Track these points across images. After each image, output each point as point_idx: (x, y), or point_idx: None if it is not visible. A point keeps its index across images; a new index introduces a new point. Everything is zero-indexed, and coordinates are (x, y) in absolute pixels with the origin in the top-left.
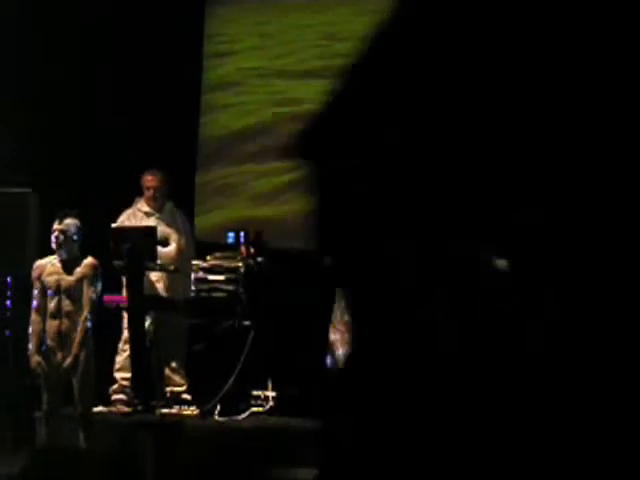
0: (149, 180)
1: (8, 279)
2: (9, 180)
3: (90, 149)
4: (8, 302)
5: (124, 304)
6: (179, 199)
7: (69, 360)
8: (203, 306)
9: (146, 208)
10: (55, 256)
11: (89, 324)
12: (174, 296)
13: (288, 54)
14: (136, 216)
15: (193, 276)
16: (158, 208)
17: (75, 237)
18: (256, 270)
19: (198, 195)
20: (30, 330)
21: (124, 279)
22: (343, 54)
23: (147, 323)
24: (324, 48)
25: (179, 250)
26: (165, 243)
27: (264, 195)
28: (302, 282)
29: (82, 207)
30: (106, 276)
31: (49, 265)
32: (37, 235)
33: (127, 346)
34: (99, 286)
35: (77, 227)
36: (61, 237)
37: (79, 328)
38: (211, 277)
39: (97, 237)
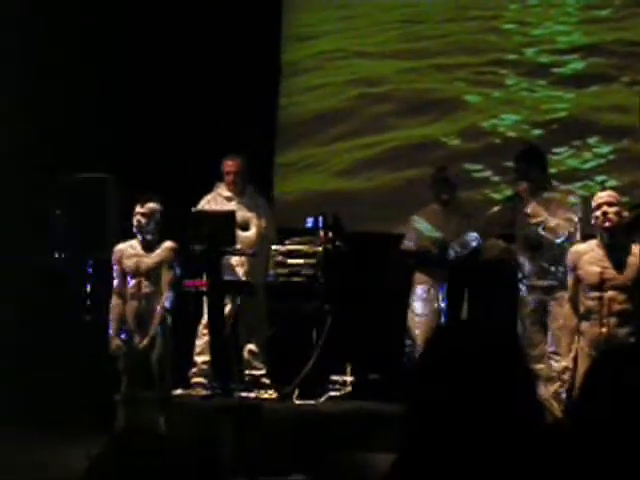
0: (229, 165)
1: (89, 264)
2: (89, 165)
3: (170, 133)
4: (88, 286)
5: (204, 288)
6: (259, 183)
7: (145, 341)
8: (282, 290)
9: (227, 193)
10: (135, 240)
11: (167, 305)
12: (254, 280)
13: (369, 35)
14: (217, 201)
15: (272, 260)
16: (239, 193)
17: (156, 221)
18: (335, 254)
19: (278, 178)
20: (110, 314)
21: (204, 264)
22: (424, 36)
23: (227, 308)
24: (406, 29)
25: (259, 234)
26: (245, 227)
27: (345, 172)
28: (381, 265)
29: (162, 192)
30: (185, 261)
31: (129, 248)
32: (117, 220)
33: (207, 330)
34: (178, 270)
35: (159, 211)
36: (143, 220)
37: (157, 310)
38: (290, 261)
39: (177, 222)
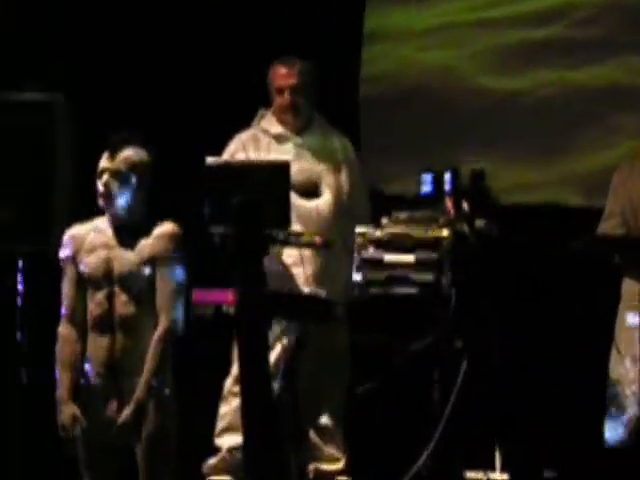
0: (283, 75)
1: (17, 262)
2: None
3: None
4: (18, 299)
5: (230, 306)
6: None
7: (128, 411)
8: (376, 313)
9: (277, 127)
10: (101, 219)
11: (167, 339)
12: (325, 293)
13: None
14: (258, 142)
15: (359, 256)
16: (299, 126)
17: (138, 184)
18: (474, 245)
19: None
20: (57, 358)
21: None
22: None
23: (276, 347)
24: None
25: (337, 207)
26: (312, 192)
27: None
28: (558, 265)
29: (154, 130)
30: (197, 255)
31: (91, 234)
32: (69, 179)
33: (238, 387)
34: (183, 274)
35: (143, 165)
36: (113, 184)
37: (149, 351)
38: (390, 258)
39: (181, 185)
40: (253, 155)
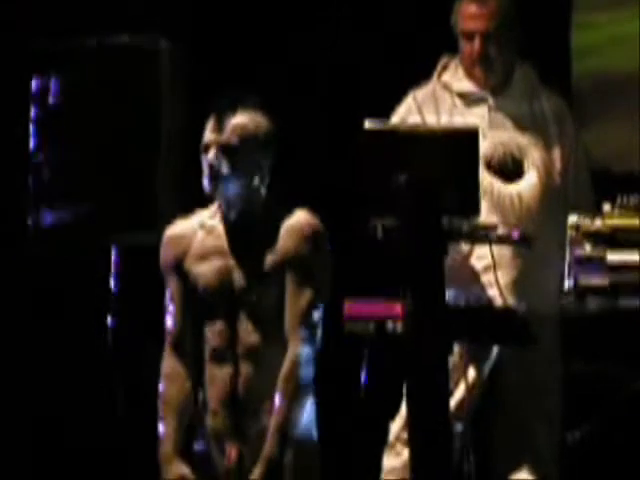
0: (473, 14)
1: (113, 253)
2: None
3: None
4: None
5: (397, 322)
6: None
7: (260, 469)
8: (596, 332)
9: (464, 84)
10: (210, 210)
11: (305, 374)
12: (526, 307)
13: None
14: (438, 103)
15: (571, 256)
16: (495, 84)
17: (257, 162)
18: None
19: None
20: (160, 395)
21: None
22: None
23: (458, 379)
24: None
25: (546, 191)
26: (511, 172)
27: None
28: None
29: (281, 87)
30: (349, 256)
31: (199, 234)
32: (178, 151)
33: (408, 435)
34: (324, 281)
35: (262, 135)
36: (223, 163)
37: (279, 386)
38: (614, 258)
39: (321, 160)
40: (432, 119)
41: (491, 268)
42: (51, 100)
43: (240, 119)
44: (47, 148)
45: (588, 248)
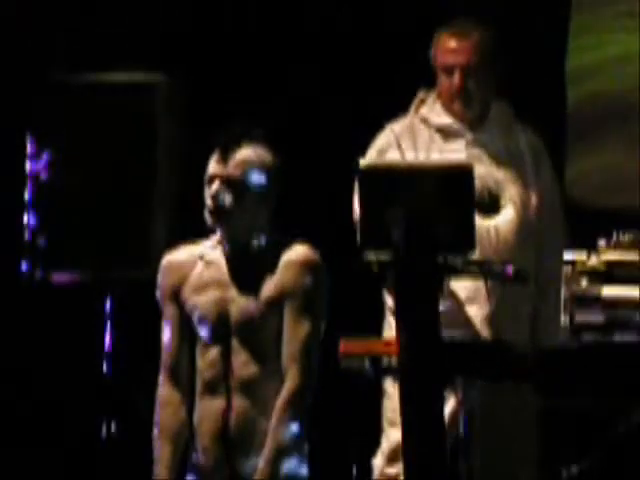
0: (452, 49)
1: (107, 292)
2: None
3: None
4: (106, 341)
5: (390, 355)
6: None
7: None
8: (591, 367)
9: (442, 118)
10: (211, 241)
11: (295, 409)
12: (505, 338)
13: None
14: (416, 136)
15: (567, 292)
16: (473, 118)
17: (260, 195)
18: None
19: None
20: (156, 421)
21: (390, 298)
22: None
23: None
24: None
25: (521, 226)
26: (488, 207)
27: None
28: None
29: (280, 123)
30: (345, 291)
31: (199, 265)
32: (173, 184)
33: (394, 469)
34: (322, 321)
35: (266, 169)
36: (226, 196)
37: (272, 422)
38: (610, 293)
39: (318, 195)
40: (410, 153)
41: (473, 300)
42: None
43: (245, 152)
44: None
45: (584, 284)
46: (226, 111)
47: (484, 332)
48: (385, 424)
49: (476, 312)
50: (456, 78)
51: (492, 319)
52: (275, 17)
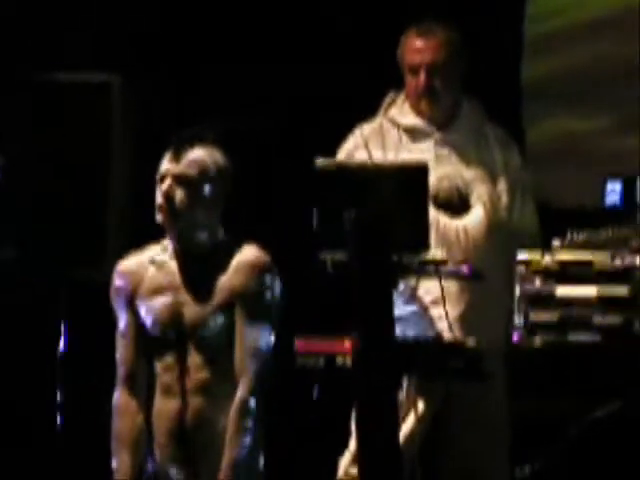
0: (418, 49)
1: (62, 293)
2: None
3: None
4: (61, 348)
5: (345, 355)
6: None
7: None
8: (545, 367)
9: (410, 118)
10: (162, 244)
11: (251, 405)
12: (474, 341)
13: None
14: (384, 138)
15: (520, 291)
16: (440, 118)
17: (212, 195)
18: None
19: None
20: (113, 430)
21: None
22: None
23: (407, 414)
24: None
25: (491, 226)
26: (457, 206)
27: None
28: None
29: (236, 123)
30: (299, 291)
31: (151, 269)
32: (127, 185)
33: (355, 470)
34: (273, 322)
35: (217, 169)
36: (178, 194)
37: (229, 427)
38: (564, 292)
39: (272, 196)
40: (378, 154)
41: (438, 302)
42: None
43: (197, 152)
44: None
45: (538, 283)
46: (184, 111)
47: (456, 332)
48: (354, 424)
49: (443, 315)
50: (422, 76)
51: (464, 319)
52: (239, 15)
